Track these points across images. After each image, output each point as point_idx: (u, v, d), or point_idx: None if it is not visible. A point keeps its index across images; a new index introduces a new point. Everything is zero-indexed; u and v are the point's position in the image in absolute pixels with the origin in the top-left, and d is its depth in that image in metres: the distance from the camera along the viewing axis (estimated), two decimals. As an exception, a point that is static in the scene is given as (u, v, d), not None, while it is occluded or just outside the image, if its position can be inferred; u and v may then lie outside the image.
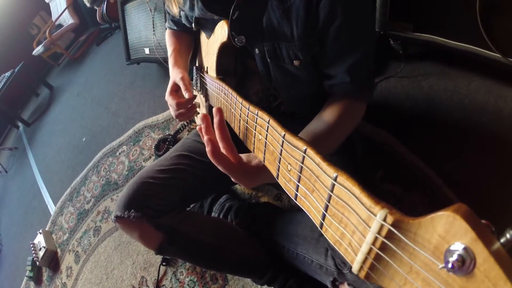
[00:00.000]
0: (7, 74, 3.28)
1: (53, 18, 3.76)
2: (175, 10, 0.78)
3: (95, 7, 2.83)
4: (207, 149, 0.46)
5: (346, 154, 0.76)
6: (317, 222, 0.30)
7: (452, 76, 1.03)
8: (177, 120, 0.85)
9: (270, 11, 0.58)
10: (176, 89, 0.79)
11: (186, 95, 0.74)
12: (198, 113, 1.08)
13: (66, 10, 3.55)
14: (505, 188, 0.78)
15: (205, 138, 0.47)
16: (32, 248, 1.65)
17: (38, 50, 3.57)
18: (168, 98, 0.78)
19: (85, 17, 3.73)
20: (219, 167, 0.48)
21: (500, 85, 0.91)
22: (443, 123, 0.96)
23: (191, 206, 1.18)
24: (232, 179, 0.50)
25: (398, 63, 1.18)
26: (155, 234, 0.79)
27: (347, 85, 0.61)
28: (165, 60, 1.80)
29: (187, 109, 0.77)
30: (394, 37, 1.16)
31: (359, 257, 0.24)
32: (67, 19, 3.66)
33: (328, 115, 0.63)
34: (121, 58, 2.23)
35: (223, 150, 0.48)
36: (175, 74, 0.79)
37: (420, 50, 1.17)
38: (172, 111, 0.80)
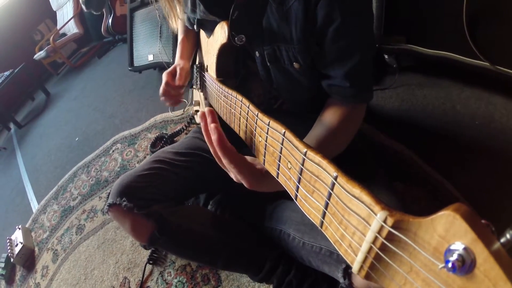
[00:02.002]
0: (6, 73, 3.28)
1: (58, 26, 3.86)
2: (174, 25, 0.82)
3: (93, 12, 2.90)
4: (214, 137, 0.43)
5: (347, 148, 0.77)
6: (317, 222, 0.30)
7: (444, 86, 1.09)
8: (164, 102, 0.90)
9: (269, 13, 0.59)
10: (173, 73, 0.86)
11: (176, 81, 0.84)
12: (197, 111, 1.10)
13: (72, 20, 3.65)
14: (502, 187, 0.79)
15: (211, 126, 0.44)
16: (8, 244, 1.55)
17: (39, 54, 3.62)
18: (164, 75, 0.86)
19: (89, 29, 3.83)
20: (225, 159, 0.44)
21: (490, 93, 0.96)
22: (438, 125, 1.00)
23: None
24: (236, 176, 0.47)
25: (392, 76, 1.24)
26: (146, 224, 0.78)
27: (347, 90, 0.61)
28: (169, 65, 1.84)
29: (171, 95, 0.85)
30: (388, 51, 1.24)
31: (359, 257, 0.24)
32: (72, 29, 3.75)
33: (330, 119, 0.62)
34: (122, 68, 2.26)
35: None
36: (178, 62, 0.87)
37: (413, 63, 1.24)
38: (161, 89, 0.85)
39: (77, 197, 1.70)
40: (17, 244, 1.53)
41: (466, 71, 0.96)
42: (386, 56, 1.27)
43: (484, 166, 0.86)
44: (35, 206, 1.90)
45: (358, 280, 0.61)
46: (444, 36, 1.01)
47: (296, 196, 0.34)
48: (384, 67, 1.28)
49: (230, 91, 0.55)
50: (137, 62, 2.12)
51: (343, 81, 0.60)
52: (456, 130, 0.95)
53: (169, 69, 0.86)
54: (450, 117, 0.98)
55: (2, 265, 1.52)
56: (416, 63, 1.22)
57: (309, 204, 0.31)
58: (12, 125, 3.45)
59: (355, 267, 0.25)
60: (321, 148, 0.55)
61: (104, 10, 3.27)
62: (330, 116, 0.62)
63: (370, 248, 0.23)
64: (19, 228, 1.63)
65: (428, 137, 1.00)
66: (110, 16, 3.27)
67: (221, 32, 0.64)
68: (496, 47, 0.88)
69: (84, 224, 1.51)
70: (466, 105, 0.98)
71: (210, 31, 0.74)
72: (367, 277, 0.24)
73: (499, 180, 0.81)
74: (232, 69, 0.72)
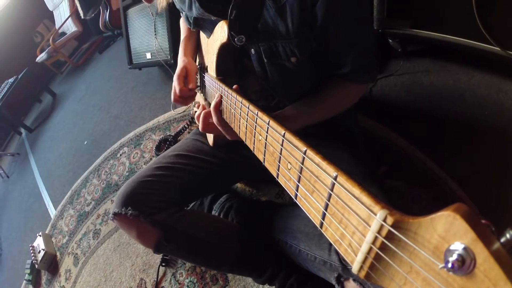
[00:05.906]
0: (11, 80, 3.31)
1: (57, 26, 3.82)
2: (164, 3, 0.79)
3: (87, 17, 2.87)
4: (214, 102, 0.60)
5: (347, 147, 0.76)
6: (317, 222, 0.30)
7: (452, 72, 1.03)
8: (176, 104, 0.91)
9: (265, 10, 0.59)
10: (184, 75, 0.83)
11: (190, 85, 0.82)
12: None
13: (70, 18, 3.61)
14: (507, 182, 0.76)
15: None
16: (31, 251, 1.64)
17: (41, 57, 3.62)
18: (175, 81, 0.83)
19: (88, 25, 3.78)
20: (215, 118, 0.62)
21: (500, 79, 0.91)
22: (444, 117, 0.96)
23: (191, 205, 1.17)
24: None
25: (397, 62, 1.18)
26: (152, 231, 0.79)
27: (350, 74, 0.66)
28: (167, 62, 1.82)
29: (185, 98, 0.84)
30: (392, 35, 1.17)
31: (359, 257, 0.24)
32: (71, 27, 3.71)
33: (324, 92, 0.68)
34: (123, 64, 2.26)
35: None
36: (183, 60, 0.85)
37: (419, 48, 1.17)
38: (172, 94, 0.84)
39: (90, 202, 1.75)
40: (39, 251, 1.61)
41: (476, 56, 0.90)
42: (390, 40, 1.21)
43: (488, 158, 0.82)
44: (52, 211, 1.98)
45: (350, 286, 0.63)
46: (452, 19, 0.94)
47: (296, 195, 0.34)
48: (389, 51, 1.21)
49: (230, 91, 0.56)
50: (136, 60, 2.10)
51: (350, 67, 0.64)
52: (464, 122, 0.90)
53: (178, 72, 0.82)
54: (457, 107, 0.94)
55: (28, 271, 1.61)
56: (422, 48, 1.15)
57: (309, 203, 0.32)
58: (22, 130, 3.53)
59: (355, 267, 0.25)
60: (304, 110, 0.67)
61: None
62: (324, 88, 0.69)
63: (370, 249, 0.23)
64: (40, 235, 1.70)
65: (434, 130, 0.96)
66: (107, 11, 3.21)
67: (221, 32, 0.65)
68: (508, 30, 0.81)
69: (99, 229, 1.57)
70: (475, 93, 0.93)
71: (208, 31, 0.74)
72: (367, 277, 0.24)
73: (502, 173, 0.78)
74: (232, 67, 0.74)
